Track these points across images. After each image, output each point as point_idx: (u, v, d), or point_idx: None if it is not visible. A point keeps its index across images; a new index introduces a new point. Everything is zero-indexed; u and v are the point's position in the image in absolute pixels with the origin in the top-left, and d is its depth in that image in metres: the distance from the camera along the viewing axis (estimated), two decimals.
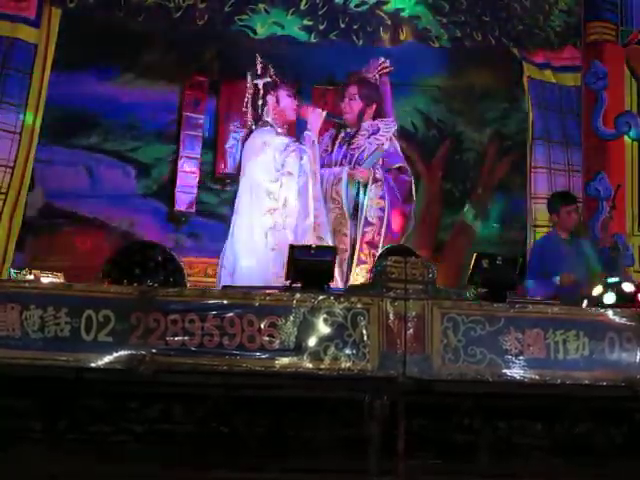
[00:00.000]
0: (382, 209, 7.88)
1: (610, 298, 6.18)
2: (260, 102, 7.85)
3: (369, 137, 8.06)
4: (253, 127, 7.85)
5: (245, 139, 7.88)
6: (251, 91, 7.87)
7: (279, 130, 7.80)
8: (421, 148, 11.02)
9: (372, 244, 7.79)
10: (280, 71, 7.95)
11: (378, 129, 8.12)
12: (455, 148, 11.06)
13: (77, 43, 9.95)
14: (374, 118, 8.22)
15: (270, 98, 7.84)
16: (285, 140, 7.77)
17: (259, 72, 7.83)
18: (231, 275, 7.51)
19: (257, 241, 7.52)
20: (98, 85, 10.42)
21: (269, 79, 7.82)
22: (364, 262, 7.73)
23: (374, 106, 8.19)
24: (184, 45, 10.27)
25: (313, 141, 7.81)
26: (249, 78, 7.89)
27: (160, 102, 10.61)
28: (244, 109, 7.95)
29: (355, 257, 7.72)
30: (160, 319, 5.08)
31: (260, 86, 7.82)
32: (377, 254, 7.62)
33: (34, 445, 5.28)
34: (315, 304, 5.22)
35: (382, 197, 7.90)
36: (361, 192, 7.87)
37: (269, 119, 7.81)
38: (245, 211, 7.62)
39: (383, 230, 7.85)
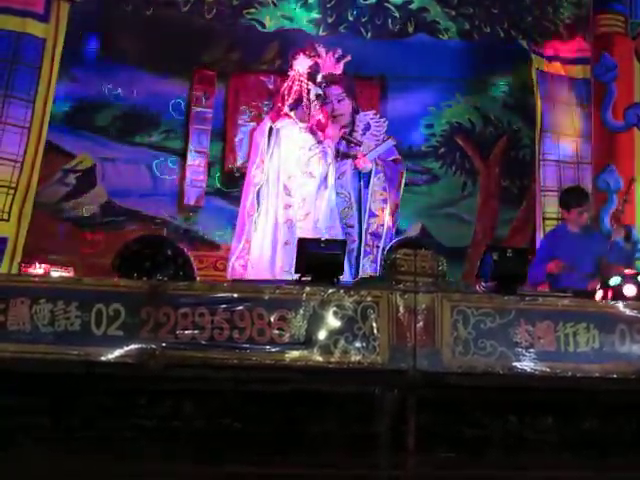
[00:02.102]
0: (385, 200, 7.89)
1: (630, 290, 6.17)
2: (302, 101, 7.78)
3: (365, 133, 8.04)
4: (280, 114, 7.78)
5: (269, 127, 7.80)
6: (298, 87, 7.78)
7: (301, 126, 7.75)
8: (478, 145, 11.10)
9: (376, 235, 7.81)
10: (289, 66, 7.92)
11: (369, 125, 8.10)
12: (512, 145, 11.08)
13: (137, 42, 10.08)
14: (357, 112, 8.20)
15: (310, 107, 7.76)
16: (309, 139, 7.72)
17: (318, 80, 7.78)
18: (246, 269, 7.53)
19: (270, 234, 7.52)
20: (159, 83, 10.54)
21: (320, 91, 7.78)
22: (369, 253, 7.76)
23: (355, 100, 8.17)
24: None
25: (333, 151, 7.76)
26: (302, 71, 7.79)
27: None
28: (288, 97, 7.83)
29: (362, 249, 7.73)
30: (170, 313, 5.08)
31: (312, 94, 7.75)
32: (380, 245, 7.69)
33: (43, 441, 5.27)
34: (325, 297, 5.21)
35: (384, 189, 7.91)
36: (363, 183, 7.89)
37: (293, 114, 7.75)
38: (267, 201, 7.60)
39: (386, 221, 7.86)
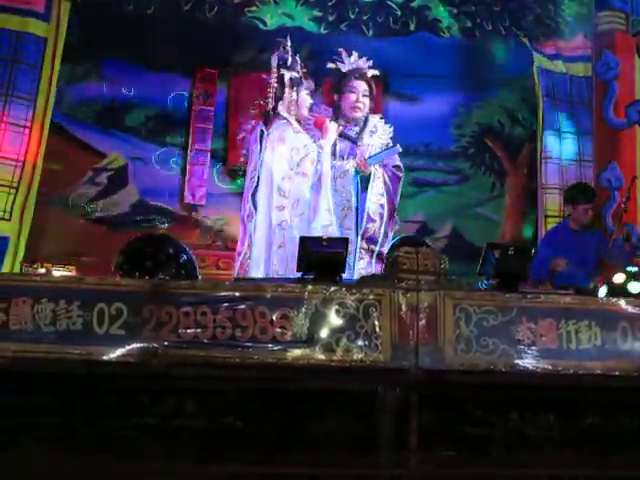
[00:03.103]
0: (382, 205, 7.86)
1: (635, 287, 6.19)
2: (279, 94, 7.71)
3: (372, 136, 8.02)
4: (271, 116, 7.72)
5: (260, 131, 7.75)
6: (275, 80, 7.70)
7: (295, 125, 7.67)
8: (507, 146, 11.13)
9: (372, 240, 7.78)
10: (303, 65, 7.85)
11: (376, 128, 8.07)
12: None
13: (167, 44, 10.14)
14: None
15: (291, 93, 7.68)
16: (303, 139, 7.63)
17: (289, 64, 7.69)
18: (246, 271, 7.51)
19: (264, 236, 7.47)
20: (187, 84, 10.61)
21: (296, 74, 7.68)
22: (362, 258, 7.73)
23: (372, 103, 8.15)
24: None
25: (328, 151, 7.70)
26: (274, 65, 7.72)
27: None
28: (267, 99, 7.77)
29: (357, 253, 7.69)
30: (172, 312, 5.07)
31: (286, 79, 7.67)
32: (375, 249, 7.67)
33: (45, 441, 5.27)
34: (327, 295, 5.20)
35: (382, 194, 7.87)
36: (361, 188, 7.85)
37: (284, 113, 7.68)
38: (259, 205, 7.56)
39: (382, 226, 7.83)
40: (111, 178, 10.62)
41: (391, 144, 8.04)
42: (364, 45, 8.60)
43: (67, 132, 10.59)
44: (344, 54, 8.02)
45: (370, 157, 7.84)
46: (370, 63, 8.02)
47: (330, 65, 8.02)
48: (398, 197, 8.03)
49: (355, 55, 8.03)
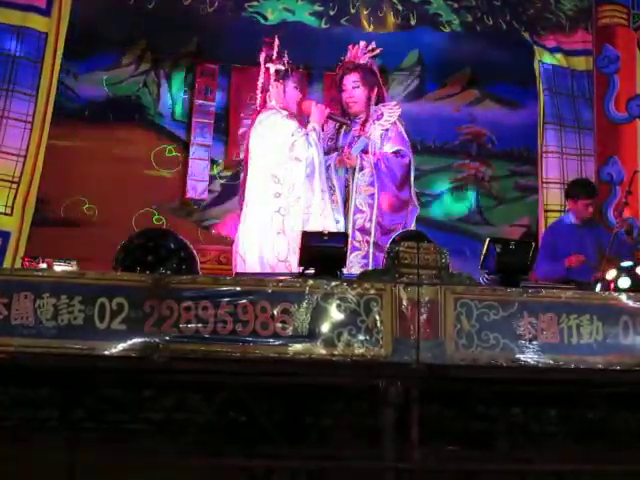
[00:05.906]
0: (372, 195, 7.79)
1: (625, 282, 6.19)
2: (266, 87, 7.72)
3: (374, 123, 7.97)
4: (261, 110, 7.73)
5: (252, 124, 7.77)
6: (262, 74, 7.72)
7: (284, 113, 7.68)
8: None
9: (364, 230, 7.72)
10: (293, 59, 7.82)
11: (382, 114, 8.02)
12: None
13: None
14: (376, 103, 8.10)
15: (278, 86, 7.70)
16: (292, 125, 7.64)
17: (274, 57, 7.69)
18: (244, 262, 7.50)
19: (263, 225, 7.47)
20: None
21: (282, 67, 7.68)
22: (357, 249, 7.68)
23: (375, 90, 8.08)
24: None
25: (318, 133, 7.69)
26: (262, 60, 7.73)
27: None
28: (258, 93, 7.79)
29: (349, 245, 7.64)
30: (173, 307, 5.07)
31: (272, 71, 7.68)
32: (370, 240, 7.63)
33: (48, 436, 5.28)
34: (328, 290, 5.20)
35: (371, 184, 7.80)
36: (349, 179, 7.82)
37: (274, 104, 7.69)
38: (253, 195, 7.57)
39: (374, 217, 7.77)
40: (224, 185, 10.70)
41: (398, 122, 7.98)
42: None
43: (180, 139, 10.70)
44: (351, 48, 8.02)
45: (351, 149, 7.83)
46: (372, 45, 7.98)
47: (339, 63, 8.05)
48: (411, 182, 7.93)
49: (361, 45, 8.00)
